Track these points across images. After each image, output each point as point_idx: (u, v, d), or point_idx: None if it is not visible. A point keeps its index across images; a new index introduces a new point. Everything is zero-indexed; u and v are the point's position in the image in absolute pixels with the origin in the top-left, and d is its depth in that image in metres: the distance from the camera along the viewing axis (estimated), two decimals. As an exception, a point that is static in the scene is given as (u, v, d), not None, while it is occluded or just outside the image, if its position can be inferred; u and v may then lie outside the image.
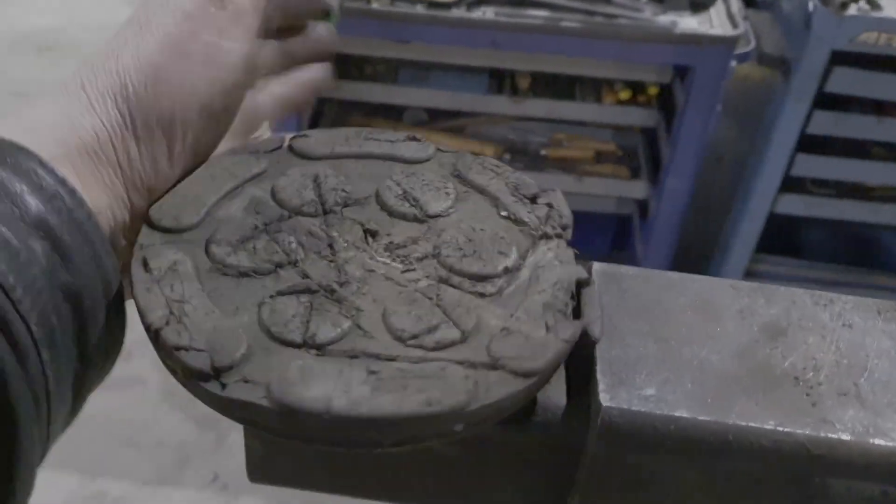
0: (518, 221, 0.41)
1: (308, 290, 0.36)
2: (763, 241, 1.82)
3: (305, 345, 0.34)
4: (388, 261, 0.38)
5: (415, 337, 0.35)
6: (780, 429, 0.34)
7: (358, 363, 0.33)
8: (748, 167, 1.76)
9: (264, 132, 0.50)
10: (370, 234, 0.40)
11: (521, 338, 0.35)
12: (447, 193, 0.42)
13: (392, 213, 0.41)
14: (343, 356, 0.34)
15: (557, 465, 0.38)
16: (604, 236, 2.05)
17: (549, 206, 0.42)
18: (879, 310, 0.40)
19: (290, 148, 0.44)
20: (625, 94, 1.80)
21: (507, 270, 0.38)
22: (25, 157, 0.35)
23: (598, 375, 0.36)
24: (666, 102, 1.79)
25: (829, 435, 0.34)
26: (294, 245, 0.38)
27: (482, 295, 0.37)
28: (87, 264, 0.35)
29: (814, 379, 0.37)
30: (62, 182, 0.35)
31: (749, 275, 1.85)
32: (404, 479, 0.39)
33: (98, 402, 1.61)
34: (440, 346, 0.34)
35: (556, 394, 0.37)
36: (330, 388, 0.32)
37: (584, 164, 1.84)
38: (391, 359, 0.34)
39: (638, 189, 1.84)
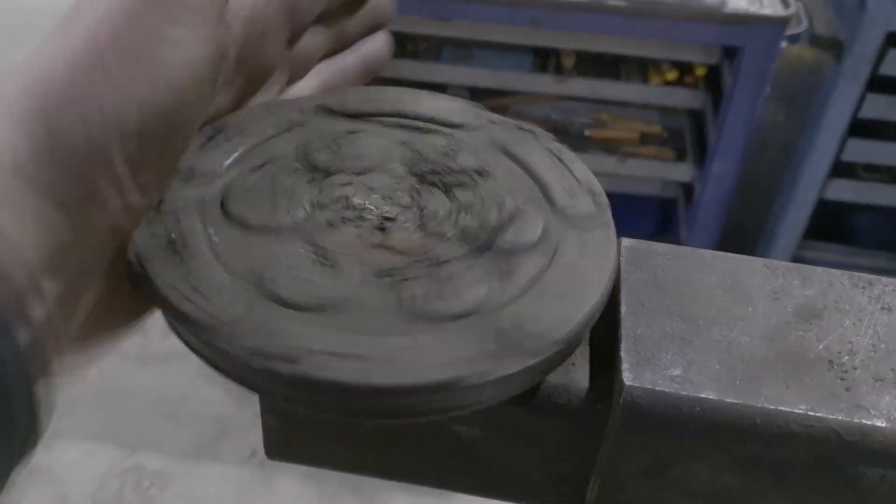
0: (550, 199, 0.39)
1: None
2: (811, 227, 1.78)
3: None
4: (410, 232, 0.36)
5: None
6: (812, 413, 0.33)
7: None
8: (797, 152, 1.72)
9: None
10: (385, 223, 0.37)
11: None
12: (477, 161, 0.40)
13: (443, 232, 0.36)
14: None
15: (580, 448, 0.36)
16: (647, 220, 2.03)
17: (593, 193, 0.40)
18: (922, 293, 0.38)
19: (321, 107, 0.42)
20: (671, 75, 1.77)
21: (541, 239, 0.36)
22: None
23: (622, 354, 0.34)
24: (713, 84, 1.75)
25: (863, 421, 0.33)
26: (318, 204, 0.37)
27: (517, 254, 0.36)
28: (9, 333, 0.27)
29: (849, 363, 0.35)
30: None
31: (796, 261, 1.81)
32: (425, 461, 0.39)
33: (137, 376, 1.65)
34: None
35: (579, 375, 0.36)
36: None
37: (628, 146, 1.82)
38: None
39: (683, 172, 1.81)
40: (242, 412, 1.75)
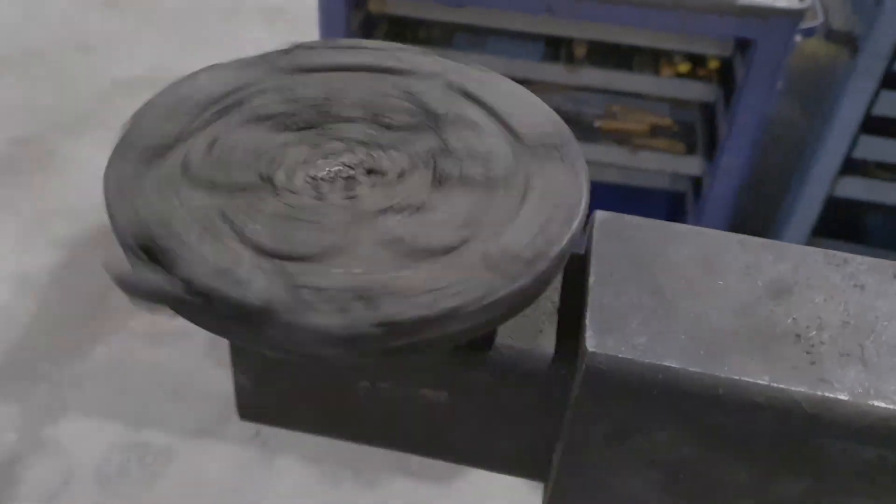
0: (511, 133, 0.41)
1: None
2: (820, 224, 1.77)
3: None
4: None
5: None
6: (775, 385, 0.33)
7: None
8: (807, 148, 1.71)
9: None
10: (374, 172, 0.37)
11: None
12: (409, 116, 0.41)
13: (442, 179, 0.37)
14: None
15: (546, 415, 0.37)
16: (656, 212, 2.01)
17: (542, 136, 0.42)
18: (895, 273, 0.38)
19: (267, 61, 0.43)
20: (684, 67, 1.76)
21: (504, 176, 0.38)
22: None
23: (587, 321, 0.35)
24: (726, 77, 1.74)
25: (827, 394, 0.33)
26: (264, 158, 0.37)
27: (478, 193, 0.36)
28: None
29: (816, 338, 0.35)
30: None
31: (804, 258, 1.80)
32: (393, 425, 0.39)
33: (144, 354, 1.65)
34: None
35: (545, 341, 0.36)
36: None
37: (638, 138, 1.81)
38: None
39: (693, 165, 1.80)
40: (246, 392, 1.75)
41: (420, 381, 0.36)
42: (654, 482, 0.36)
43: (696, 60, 1.75)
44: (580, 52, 1.77)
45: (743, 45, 1.65)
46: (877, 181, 1.72)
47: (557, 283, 0.39)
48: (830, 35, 1.65)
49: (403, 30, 1.77)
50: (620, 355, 0.33)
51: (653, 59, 1.78)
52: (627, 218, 0.40)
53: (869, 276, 0.38)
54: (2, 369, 1.77)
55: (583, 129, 1.81)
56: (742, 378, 0.33)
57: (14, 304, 1.89)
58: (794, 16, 1.52)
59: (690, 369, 0.33)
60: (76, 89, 2.57)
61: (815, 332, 0.35)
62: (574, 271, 0.38)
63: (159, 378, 1.77)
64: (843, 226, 1.84)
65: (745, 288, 0.37)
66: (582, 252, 0.38)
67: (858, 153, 1.66)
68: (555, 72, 1.76)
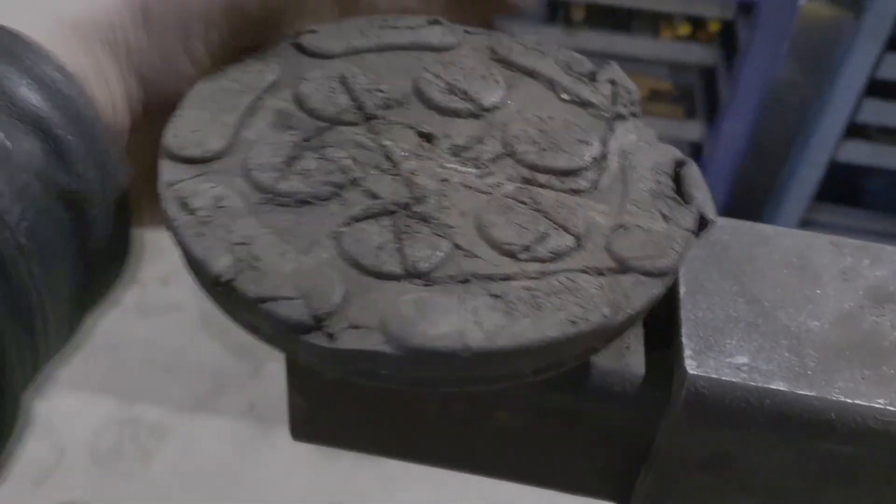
0: (584, 103, 0.36)
1: (386, 212, 0.31)
2: (823, 189, 1.75)
3: (407, 275, 0.29)
4: (458, 166, 0.33)
5: (526, 249, 0.30)
6: (891, 408, 0.30)
7: (474, 288, 0.29)
8: (810, 111, 1.68)
9: None
10: (426, 137, 0.35)
11: (642, 233, 0.31)
12: (496, 81, 0.37)
13: (442, 111, 0.35)
14: (453, 282, 0.29)
15: (632, 438, 0.34)
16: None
17: (612, 82, 0.37)
18: None
19: (299, 47, 0.38)
20: (684, 30, 1.72)
21: (595, 160, 0.34)
22: (16, 41, 0.30)
23: (684, 339, 0.31)
24: (728, 40, 1.71)
25: (947, 418, 0.30)
26: (348, 160, 0.33)
27: (577, 192, 0.33)
28: (91, 167, 0.30)
29: (928, 353, 0.32)
30: (61, 70, 0.30)
31: (806, 224, 1.79)
32: (463, 447, 0.36)
33: (135, 328, 1.61)
34: (557, 256, 0.30)
35: (634, 360, 0.33)
36: (457, 321, 0.27)
37: (637, 103, 1.78)
38: (508, 278, 0.29)
39: (693, 130, 1.77)
40: (241, 365, 1.73)
41: (495, 404, 0.33)
42: (749, 509, 0.34)
43: (697, 23, 1.72)
44: (578, 14, 1.73)
45: (745, 8, 1.61)
46: (880, 145, 1.70)
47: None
48: (835, -3, 1.61)
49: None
50: (724, 378, 0.30)
51: (652, 22, 1.74)
52: (711, 218, 0.37)
53: (973, 281, 0.35)
54: (-11, 344, 1.73)
55: (581, 94, 1.77)
56: (855, 401, 0.30)
57: None
58: (800, -23, 1.48)
59: (800, 392, 0.30)
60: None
61: (925, 347, 0.32)
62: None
63: (151, 353, 1.74)
64: (845, 190, 1.82)
65: (845, 296, 0.34)
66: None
67: (862, 117, 1.64)
68: (553, 35, 1.72)
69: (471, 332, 0.27)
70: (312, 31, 0.38)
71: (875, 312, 0.34)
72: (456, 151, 0.34)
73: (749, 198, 1.87)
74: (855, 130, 1.67)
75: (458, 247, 0.30)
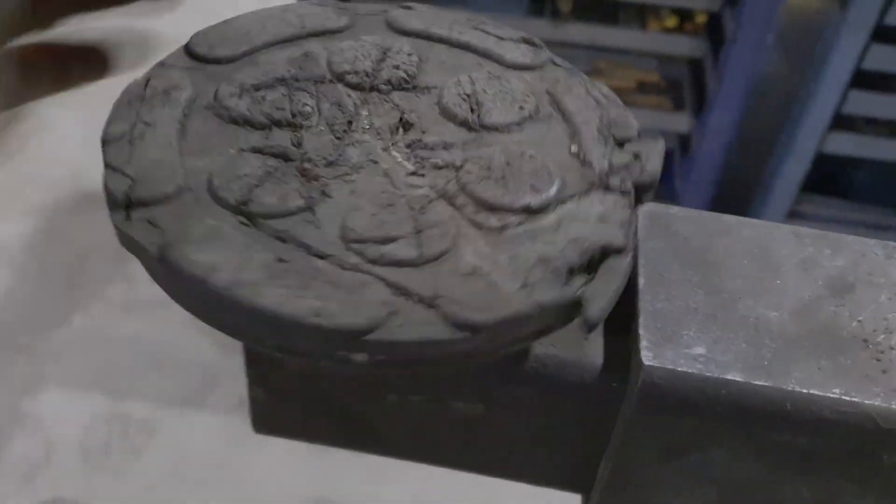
0: (585, 162, 0.34)
1: (283, 156, 0.32)
2: (809, 180, 1.75)
3: (237, 208, 0.29)
4: (400, 157, 0.33)
5: (360, 241, 0.29)
6: (846, 398, 0.30)
7: (275, 247, 0.28)
8: (796, 103, 1.68)
9: None
10: (404, 125, 0.35)
11: (483, 284, 0.29)
12: (521, 108, 0.36)
13: (444, 112, 0.35)
14: (271, 236, 0.29)
15: (591, 429, 0.34)
16: (642, 170, 1.99)
17: (636, 156, 0.35)
18: (961, 265, 0.35)
19: (385, 20, 0.38)
20: (671, 22, 1.73)
21: (527, 209, 0.32)
22: None
23: (641, 330, 0.31)
24: (715, 32, 1.71)
25: (902, 407, 0.30)
26: (308, 108, 0.33)
27: (479, 226, 0.31)
28: None
29: (885, 342, 0.32)
30: None
31: (793, 215, 1.79)
32: (423, 439, 0.36)
33: (124, 324, 1.60)
34: (383, 261, 0.29)
35: (592, 350, 0.33)
36: (222, 259, 0.27)
37: (625, 94, 1.78)
38: (320, 255, 0.28)
39: (681, 122, 1.77)
40: (230, 361, 1.72)
41: (454, 394, 0.33)
42: (707, 500, 0.34)
43: (684, 15, 1.72)
44: (565, 6, 1.73)
45: (732, -1, 1.62)
46: (866, 136, 1.70)
47: (599, 282, 0.36)
48: (821, -13, 1.62)
49: (383, -15, 1.72)
50: (680, 369, 0.30)
51: (639, 14, 1.75)
52: (674, 210, 0.37)
53: (933, 270, 0.35)
54: (-24, 341, 1.72)
55: (568, 87, 1.77)
56: (811, 391, 0.30)
57: (-13, 274, 1.84)
58: (785, -32, 1.49)
59: (755, 383, 0.30)
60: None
61: (883, 336, 0.32)
62: (616, 269, 0.35)
63: (139, 348, 1.73)
64: (833, 182, 1.83)
65: (804, 286, 0.34)
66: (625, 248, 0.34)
67: (848, 108, 1.65)
68: (540, 27, 1.72)
69: (221, 272, 0.28)
70: (407, 7, 0.39)
71: (834, 303, 0.34)
72: (414, 146, 0.34)
73: (737, 189, 1.88)
74: (842, 122, 1.68)
75: (311, 210, 0.30)
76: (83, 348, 1.83)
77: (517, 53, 0.38)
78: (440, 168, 0.33)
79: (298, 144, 0.32)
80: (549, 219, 0.32)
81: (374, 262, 0.29)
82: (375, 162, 0.32)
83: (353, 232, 0.29)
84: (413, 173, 0.32)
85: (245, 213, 0.29)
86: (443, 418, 0.34)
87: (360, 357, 0.27)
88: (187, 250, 0.28)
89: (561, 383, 0.33)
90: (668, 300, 0.33)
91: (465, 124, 0.34)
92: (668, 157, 1.91)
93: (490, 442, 0.35)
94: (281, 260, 0.28)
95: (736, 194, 1.88)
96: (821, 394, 0.30)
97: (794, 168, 1.74)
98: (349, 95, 0.34)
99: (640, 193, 0.33)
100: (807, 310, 0.33)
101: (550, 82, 0.37)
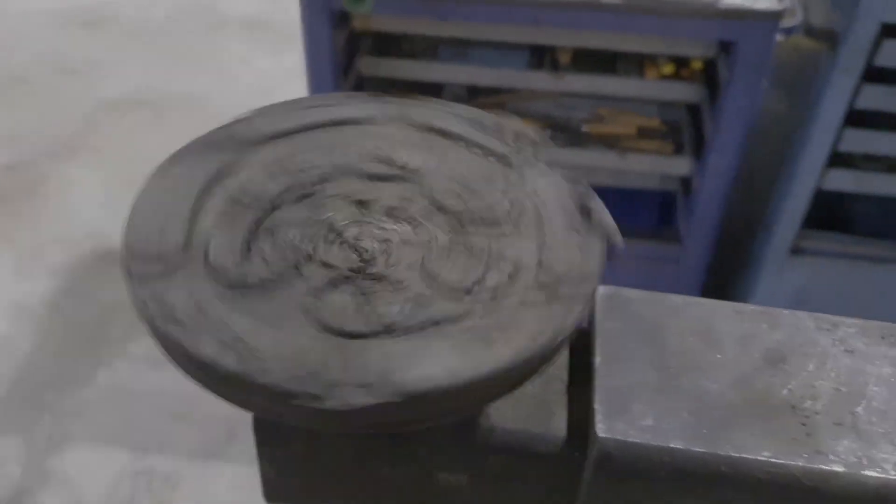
0: (492, 153, 0.41)
1: (343, 278, 0.36)
2: (810, 217, 1.79)
3: (374, 332, 0.34)
4: (394, 226, 0.38)
5: (469, 292, 0.35)
6: (774, 460, 0.35)
7: (432, 333, 0.33)
8: (794, 142, 1.73)
9: None
10: (362, 204, 0.39)
11: (562, 265, 0.36)
12: (415, 144, 0.42)
13: (372, 178, 0.40)
14: (420, 329, 0.33)
15: (560, 494, 0.38)
16: (648, 213, 2.04)
17: (516, 133, 0.42)
18: (883, 334, 0.40)
19: (231, 136, 0.42)
20: (668, 69, 1.78)
21: (512, 204, 0.39)
22: None
23: (596, 405, 0.36)
24: (710, 77, 1.76)
25: (822, 467, 0.35)
26: (298, 239, 0.38)
27: (501, 233, 0.38)
28: None
29: (811, 408, 0.37)
30: None
31: (796, 251, 1.82)
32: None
33: (145, 378, 1.66)
34: (497, 294, 0.35)
35: (557, 424, 0.38)
36: (427, 365, 0.32)
37: (626, 140, 1.83)
38: (460, 319, 0.34)
39: (682, 165, 1.82)
40: (250, 413, 1.77)
41: (439, 466, 0.38)
42: (664, 551, 0.38)
43: (680, 62, 1.77)
44: (565, 58, 1.78)
45: (726, 46, 1.67)
46: (864, 172, 1.74)
47: (565, 360, 0.40)
48: (810, 31, 1.67)
49: (388, 45, 1.79)
50: (629, 440, 0.35)
51: (637, 62, 1.80)
52: (627, 291, 0.42)
53: (858, 340, 0.40)
54: (4, 400, 1.78)
55: (571, 135, 1.82)
56: (742, 455, 0.35)
57: (14, 334, 1.90)
58: (773, 17, 1.54)
59: (695, 449, 0.35)
60: (62, 113, 2.57)
61: (809, 402, 0.37)
62: (580, 347, 0.40)
63: (161, 402, 1.78)
64: (833, 217, 1.86)
65: (742, 359, 0.39)
66: (586, 328, 0.39)
67: (844, 146, 1.68)
68: (540, 79, 1.78)
69: (457, 366, 0.32)
70: (246, 119, 0.43)
71: (768, 373, 0.38)
72: (390, 213, 0.39)
73: (740, 228, 1.92)
74: (840, 158, 1.71)
75: (412, 298, 0.35)
76: (107, 405, 1.89)
77: (356, 109, 0.44)
78: (426, 215, 0.39)
79: (329, 266, 0.37)
80: (528, 203, 0.39)
81: (491, 298, 0.35)
82: (387, 240, 0.38)
83: (458, 287, 0.35)
84: (417, 230, 0.38)
85: (386, 330, 0.34)
86: (429, 487, 0.39)
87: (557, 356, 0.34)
88: (399, 377, 0.32)
89: (531, 454, 0.38)
90: (622, 376, 0.38)
91: (398, 178, 0.40)
92: (672, 198, 1.96)
93: (473, 505, 0.40)
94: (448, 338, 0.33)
95: (739, 233, 1.92)
96: (752, 457, 0.35)
97: (795, 205, 1.78)
98: (301, 211, 0.39)
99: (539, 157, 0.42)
100: (744, 381, 0.38)
101: (403, 118, 0.44)
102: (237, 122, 0.43)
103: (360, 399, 0.31)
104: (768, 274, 1.85)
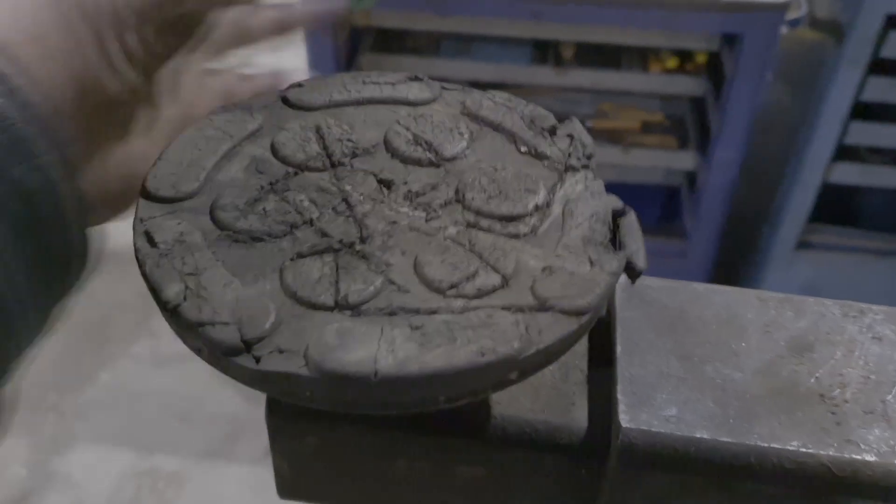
0: (539, 156, 0.40)
1: (331, 249, 0.35)
2: (817, 210, 1.78)
3: (338, 306, 0.32)
4: (409, 210, 0.37)
5: (454, 286, 0.33)
6: (803, 450, 0.34)
7: (398, 320, 0.32)
8: (800, 135, 1.72)
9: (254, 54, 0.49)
10: (385, 184, 0.38)
11: (566, 275, 0.34)
12: (461, 133, 0.40)
13: (405, 160, 0.39)
14: (380, 314, 0.32)
15: (582, 486, 0.38)
16: (652, 208, 2.03)
17: (570, 136, 0.41)
18: (912, 321, 0.39)
19: (284, 100, 0.42)
20: (672, 63, 1.77)
21: (537, 208, 0.37)
22: None
23: (619, 395, 0.35)
24: (715, 70, 1.75)
25: (853, 456, 0.34)
26: (306, 203, 0.37)
27: (516, 236, 0.36)
28: (43, 157, 0.31)
29: (840, 396, 0.36)
30: (15, 61, 0.32)
31: (803, 245, 1.82)
32: (431, 498, 0.40)
33: (149, 378, 1.65)
34: (482, 293, 0.33)
35: (578, 414, 0.37)
36: (374, 348, 0.30)
37: (630, 135, 1.82)
38: (432, 311, 0.32)
39: (686, 160, 1.81)
40: (255, 412, 1.76)
41: (456, 459, 0.37)
42: (689, 544, 0.37)
43: (684, 55, 1.76)
44: (568, 53, 1.77)
45: (730, 39, 1.66)
46: (870, 166, 1.73)
47: (584, 350, 0.40)
48: (815, 24, 1.66)
49: (389, 41, 1.78)
50: (653, 430, 0.34)
51: (641, 56, 1.79)
52: (648, 280, 0.41)
53: (886, 327, 0.39)
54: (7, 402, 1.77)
55: (575, 130, 1.81)
56: (772, 445, 0.34)
57: (17, 335, 1.89)
58: (777, 9, 1.53)
59: (721, 439, 0.34)
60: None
61: (838, 391, 0.36)
62: (600, 337, 0.39)
63: (165, 402, 1.78)
64: (840, 211, 1.85)
65: (767, 347, 0.38)
66: (605, 316, 0.38)
67: (850, 139, 1.68)
68: (544, 74, 1.77)
69: (383, 358, 0.30)
70: (299, 86, 0.43)
71: (794, 362, 0.37)
72: (410, 197, 0.38)
73: (746, 222, 1.91)
74: (846, 152, 1.71)
75: (391, 282, 0.34)
76: (111, 405, 1.88)
77: (416, 91, 0.43)
78: (445, 205, 0.37)
79: (325, 235, 0.36)
80: (556, 209, 0.37)
81: (475, 297, 0.33)
82: (395, 222, 0.36)
83: (441, 282, 0.33)
84: (430, 218, 0.37)
85: (347, 306, 0.33)
86: (448, 481, 0.38)
87: (513, 375, 0.32)
88: (340, 355, 0.30)
89: (552, 446, 0.37)
90: (643, 366, 0.37)
91: (431, 163, 0.39)
92: (677, 193, 1.95)
93: (493, 502, 0.39)
94: (414, 327, 0.32)
95: (745, 227, 1.91)
96: (780, 447, 0.34)
97: (801, 199, 1.77)
98: (323, 179, 0.38)
99: (588, 166, 0.39)
100: (769, 369, 0.37)
101: (458, 106, 0.42)
102: (291, 87, 0.43)
103: (277, 365, 0.31)
104: (775, 268, 1.84)
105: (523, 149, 0.40)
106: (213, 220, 0.36)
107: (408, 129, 0.41)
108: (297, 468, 0.39)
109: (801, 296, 0.40)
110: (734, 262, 1.98)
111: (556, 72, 1.76)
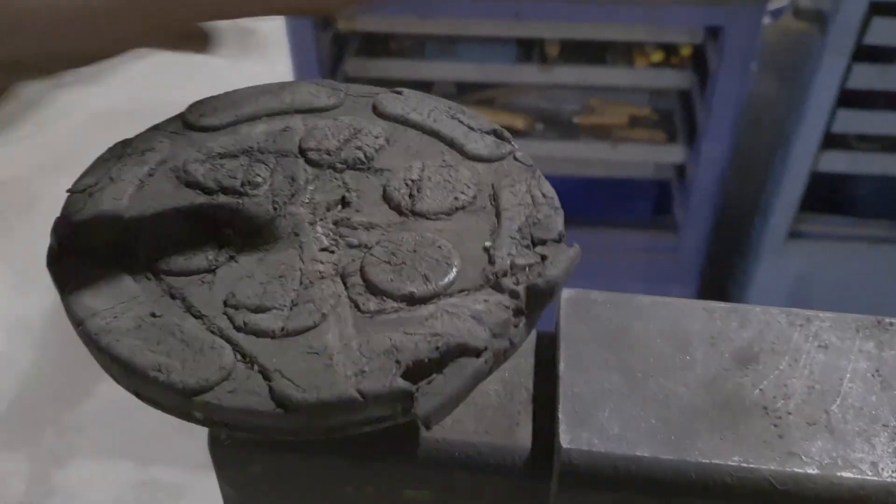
0: (490, 258, 0.37)
1: (210, 221, 0.36)
2: (807, 200, 1.77)
3: (146, 264, 0.35)
4: (321, 233, 0.36)
5: (235, 308, 0.33)
6: (745, 465, 0.34)
7: (161, 302, 0.33)
8: (787, 125, 1.71)
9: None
10: (343, 202, 0.38)
11: (322, 365, 0.32)
12: (456, 198, 0.39)
13: (385, 195, 0.39)
14: (165, 291, 0.34)
15: (526, 504, 0.37)
16: (643, 203, 2.02)
17: (543, 258, 0.36)
18: (858, 327, 0.38)
19: (373, 103, 0.43)
20: (657, 57, 1.76)
21: (409, 298, 0.35)
22: None
23: (560, 415, 0.35)
24: (700, 63, 1.74)
25: (795, 469, 0.34)
26: (259, 179, 0.37)
27: (357, 307, 0.34)
28: None
29: (783, 408, 0.36)
30: None
31: (794, 235, 1.81)
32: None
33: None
34: (246, 329, 0.32)
35: (522, 435, 0.37)
36: (106, 306, 0.33)
37: (618, 130, 1.81)
38: (195, 315, 0.33)
39: (675, 153, 1.80)
40: (252, 420, 1.76)
41: (403, 483, 0.37)
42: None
43: (669, 49, 1.75)
44: (553, 51, 1.77)
45: (713, 32, 1.65)
46: (859, 153, 1.72)
47: (530, 367, 0.39)
48: (799, 13, 1.65)
49: (374, 44, 1.77)
50: (594, 449, 0.34)
51: (626, 51, 1.78)
52: (593, 294, 0.40)
53: (832, 334, 0.39)
54: (5, 417, 1.77)
55: (563, 127, 1.81)
56: (713, 461, 0.34)
57: (13, 350, 1.90)
58: (759, 1, 1.52)
59: (662, 457, 0.34)
60: (53, 126, 2.56)
61: (781, 402, 0.36)
62: (544, 353, 0.39)
63: (164, 414, 1.78)
64: (831, 199, 1.85)
65: (712, 359, 0.38)
66: (551, 332, 0.38)
67: (837, 127, 1.67)
68: (529, 72, 1.76)
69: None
70: (398, 93, 0.44)
71: (738, 374, 0.37)
72: (340, 225, 0.37)
73: (736, 213, 1.90)
74: (834, 140, 1.70)
75: (209, 271, 0.35)
76: (109, 417, 1.88)
77: (480, 145, 0.41)
78: (353, 247, 0.36)
79: (236, 211, 0.36)
80: (427, 309, 0.34)
81: (239, 328, 0.32)
82: (297, 234, 0.36)
83: (233, 298, 0.33)
84: (325, 249, 0.36)
85: (153, 269, 0.33)
86: None
87: (197, 415, 0.31)
88: (82, 295, 0.31)
89: (496, 467, 0.36)
90: (587, 383, 0.36)
91: (397, 208, 0.38)
92: (667, 187, 1.94)
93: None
94: (154, 315, 0.32)
95: (736, 220, 1.90)
96: (721, 462, 0.34)
97: (791, 189, 1.76)
98: (305, 170, 0.38)
99: (536, 297, 0.34)
100: (713, 383, 0.37)
101: (499, 176, 0.40)
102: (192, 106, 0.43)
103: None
104: (767, 259, 1.83)
105: (488, 244, 0.37)
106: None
107: (423, 169, 0.40)
108: (244, 495, 0.39)
109: (748, 305, 0.40)
110: (727, 255, 1.97)
111: (542, 69, 1.75)
